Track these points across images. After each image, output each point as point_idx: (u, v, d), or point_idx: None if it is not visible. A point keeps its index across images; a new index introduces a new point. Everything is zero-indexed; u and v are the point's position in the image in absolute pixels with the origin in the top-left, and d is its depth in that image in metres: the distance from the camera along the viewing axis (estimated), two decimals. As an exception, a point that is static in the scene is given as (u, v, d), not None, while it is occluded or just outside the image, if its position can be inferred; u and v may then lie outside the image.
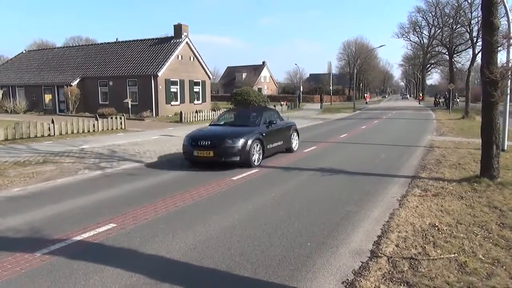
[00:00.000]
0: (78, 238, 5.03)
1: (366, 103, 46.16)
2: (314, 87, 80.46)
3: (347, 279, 3.99)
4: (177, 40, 30.38)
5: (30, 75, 35.03)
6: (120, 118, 20.09)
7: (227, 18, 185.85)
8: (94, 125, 18.62)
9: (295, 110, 41.48)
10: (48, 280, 3.91)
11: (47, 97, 32.97)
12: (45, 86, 32.88)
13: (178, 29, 30.66)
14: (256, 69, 78.84)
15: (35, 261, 4.34)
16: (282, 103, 41.34)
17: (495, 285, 3.75)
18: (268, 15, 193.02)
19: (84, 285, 3.83)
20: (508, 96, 11.74)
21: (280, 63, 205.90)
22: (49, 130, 16.47)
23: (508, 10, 11.92)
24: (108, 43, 35.30)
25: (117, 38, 38.21)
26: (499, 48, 8.11)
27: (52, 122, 16.78)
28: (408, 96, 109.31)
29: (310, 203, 6.71)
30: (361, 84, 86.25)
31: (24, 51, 40.96)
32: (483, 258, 4.37)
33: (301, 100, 46.88)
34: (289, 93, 74.09)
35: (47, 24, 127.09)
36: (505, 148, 12.01)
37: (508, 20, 11.68)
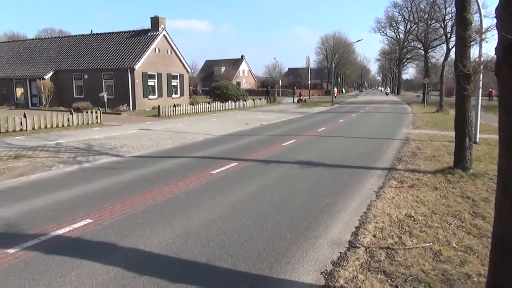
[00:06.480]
0: (53, 234, 4.90)
1: (335, 97, 51.91)
2: (293, 81, 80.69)
3: (326, 270, 4.05)
4: (154, 33, 29.82)
5: (0, 68, 33.75)
6: (96, 112, 19.62)
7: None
8: (69, 119, 18.13)
9: (273, 104, 41.55)
10: (22, 278, 3.80)
11: (19, 91, 31.84)
12: (17, 80, 31.73)
13: (155, 21, 30.07)
14: (235, 63, 78.31)
15: (7, 258, 4.21)
16: (261, 97, 41.43)
17: (468, 272, 3.88)
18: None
19: (60, 282, 3.74)
20: (480, 89, 12.12)
21: (259, 57, 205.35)
22: (21, 124, 15.91)
23: (481, 6, 12.27)
24: (83, 35, 34.19)
25: (91, 30, 37.06)
26: (472, 43, 8.33)
27: (24, 116, 16.23)
28: (387, 91, 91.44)
29: (289, 196, 6.75)
30: (339, 79, 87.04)
31: (-7, 43, 39.45)
32: (457, 246, 4.51)
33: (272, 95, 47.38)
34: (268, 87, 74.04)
35: (17, 15, 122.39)
36: (477, 140, 12.41)
37: (480, 16, 12.04)
